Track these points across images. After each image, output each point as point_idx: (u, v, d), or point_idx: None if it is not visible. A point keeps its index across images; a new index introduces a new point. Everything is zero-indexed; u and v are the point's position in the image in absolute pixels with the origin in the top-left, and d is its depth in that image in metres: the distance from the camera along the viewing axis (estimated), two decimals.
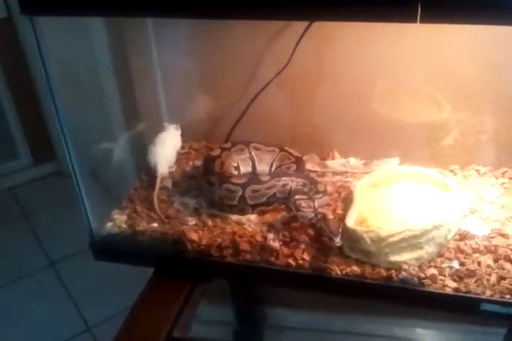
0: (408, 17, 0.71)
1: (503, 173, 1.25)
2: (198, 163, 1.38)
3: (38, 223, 2.69)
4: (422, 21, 0.70)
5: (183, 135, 1.40)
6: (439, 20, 0.72)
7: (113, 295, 2.16)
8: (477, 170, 1.27)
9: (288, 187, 1.17)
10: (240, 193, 1.14)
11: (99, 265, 1.91)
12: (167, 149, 1.33)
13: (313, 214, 1.09)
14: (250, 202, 1.15)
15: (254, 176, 1.23)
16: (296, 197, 1.14)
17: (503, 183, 1.22)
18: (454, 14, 0.70)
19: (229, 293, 1.41)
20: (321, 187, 1.18)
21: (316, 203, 1.13)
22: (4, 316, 2.17)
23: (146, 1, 0.89)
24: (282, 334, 1.41)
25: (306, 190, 1.18)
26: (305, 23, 1.17)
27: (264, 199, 1.16)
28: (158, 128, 1.39)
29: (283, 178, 1.17)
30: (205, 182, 1.20)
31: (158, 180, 1.28)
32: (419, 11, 0.70)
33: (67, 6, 0.92)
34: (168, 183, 1.30)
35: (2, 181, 2.89)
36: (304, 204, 1.11)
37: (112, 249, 1.20)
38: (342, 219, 1.12)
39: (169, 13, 0.92)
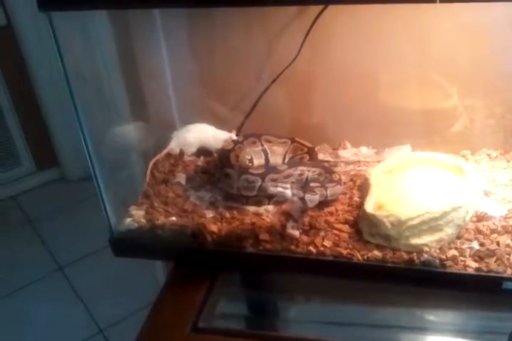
0: None
1: None
2: (210, 157, 1.39)
3: (43, 229, 2.69)
4: (442, 1, 0.71)
5: None
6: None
7: (123, 296, 2.18)
8: (488, 155, 1.28)
9: (304, 176, 1.18)
10: (260, 183, 1.15)
11: (108, 267, 1.93)
12: (189, 134, 1.38)
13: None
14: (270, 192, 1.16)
15: (271, 166, 1.24)
16: (311, 184, 1.16)
17: None
18: None
19: (243, 286, 1.41)
20: (335, 177, 1.20)
21: (329, 191, 1.15)
22: (16, 322, 2.17)
23: None
24: (297, 327, 1.41)
25: (321, 179, 1.19)
26: (313, 15, 1.19)
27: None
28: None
29: (299, 168, 1.19)
30: (222, 175, 1.21)
31: (164, 151, 1.37)
32: None
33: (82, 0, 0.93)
34: (182, 179, 1.31)
35: (5, 189, 2.89)
36: (318, 192, 1.13)
37: (132, 245, 1.21)
38: (359, 206, 1.13)
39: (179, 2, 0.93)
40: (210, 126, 1.39)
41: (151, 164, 1.34)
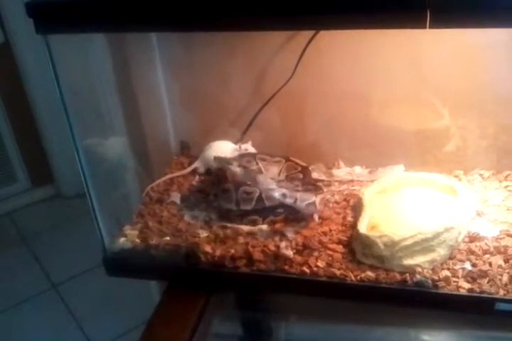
0: (417, 23, 0.73)
1: (506, 176, 1.27)
2: (204, 177, 1.40)
3: (37, 246, 2.68)
4: (432, 27, 0.72)
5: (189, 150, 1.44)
6: (448, 26, 0.74)
7: (117, 314, 2.16)
8: (481, 175, 1.29)
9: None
10: (258, 194, 1.17)
11: (103, 285, 1.91)
12: (212, 152, 1.39)
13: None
14: (267, 204, 1.18)
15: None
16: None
17: (507, 186, 1.24)
18: (463, 19, 0.72)
19: (236, 307, 1.41)
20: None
21: (299, 195, 1.16)
22: (9, 340, 2.15)
23: (153, 16, 0.91)
24: None
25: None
26: (307, 36, 1.21)
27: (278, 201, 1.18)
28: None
29: (295, 182, 1.23)
30: (220, 190, 1.22)
31: (190, 168, 1.42)
32: (428, 16, 0.72)
33: (79, 24, 0.93)
34: (177, 198, 1.32)
35: (0, 205, 2.88)
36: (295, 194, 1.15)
37: (126, 265, 1.20)
38: (353, 226, 1.14)
39: (176, 27, 0.93)
40: (229, 143, 1.41)
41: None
